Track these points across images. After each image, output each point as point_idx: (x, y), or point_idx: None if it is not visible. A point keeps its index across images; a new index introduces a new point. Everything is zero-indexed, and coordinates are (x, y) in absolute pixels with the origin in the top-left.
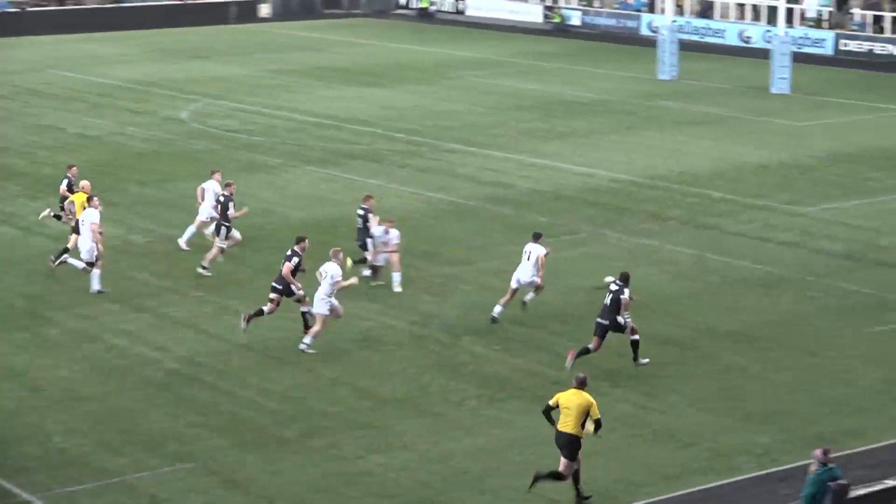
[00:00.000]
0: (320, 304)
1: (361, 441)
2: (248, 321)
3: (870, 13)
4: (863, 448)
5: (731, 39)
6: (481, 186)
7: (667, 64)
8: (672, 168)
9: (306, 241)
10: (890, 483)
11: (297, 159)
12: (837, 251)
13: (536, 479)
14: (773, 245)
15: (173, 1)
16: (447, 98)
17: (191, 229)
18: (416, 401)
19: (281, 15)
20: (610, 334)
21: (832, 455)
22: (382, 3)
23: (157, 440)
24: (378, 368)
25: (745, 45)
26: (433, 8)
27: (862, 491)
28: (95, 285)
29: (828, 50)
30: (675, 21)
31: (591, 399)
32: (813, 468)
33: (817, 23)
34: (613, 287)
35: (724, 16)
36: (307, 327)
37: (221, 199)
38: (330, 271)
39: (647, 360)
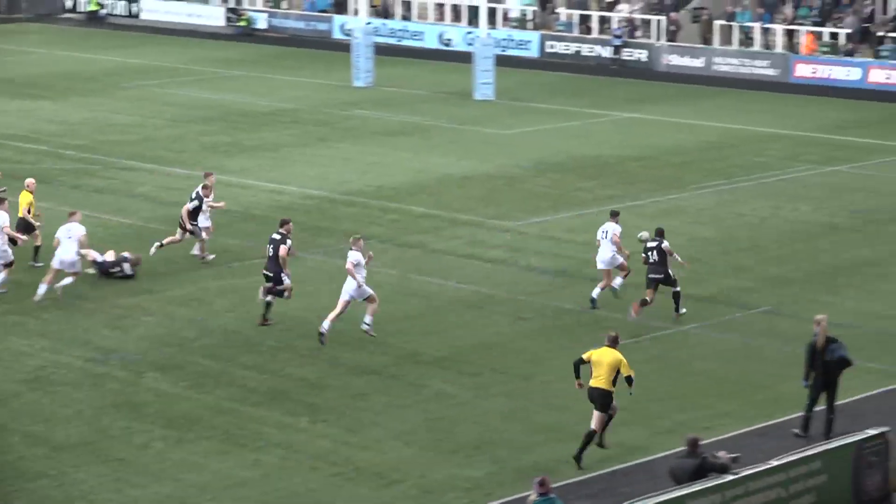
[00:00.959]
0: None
1: (35, 494)
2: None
3: (576, 13)
4: (581, 477)
5: (431, 42)
6: (163, 207)
7: (362, 70)
8: (370, 182)
9: (290, 223)
10: None
11: None
12: (549, 267)
13: (579, 456)
14: (480, 263)
15: None
16: (121, 110)
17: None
18: (96, 445)
19: None
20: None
21: (551, 485)
22: (47, 6)
23: None
24: (51, 411)
25: (445, 48)
26: (104, 11)
27: None
28: None
29: (533, 52)
30: (369, 23)
31: (622, 357)
32: (532, 499)
33: (521, 23)
34: (652, 243)
35: (423, 17)
36: (265, 319)
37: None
38: (352, 259)
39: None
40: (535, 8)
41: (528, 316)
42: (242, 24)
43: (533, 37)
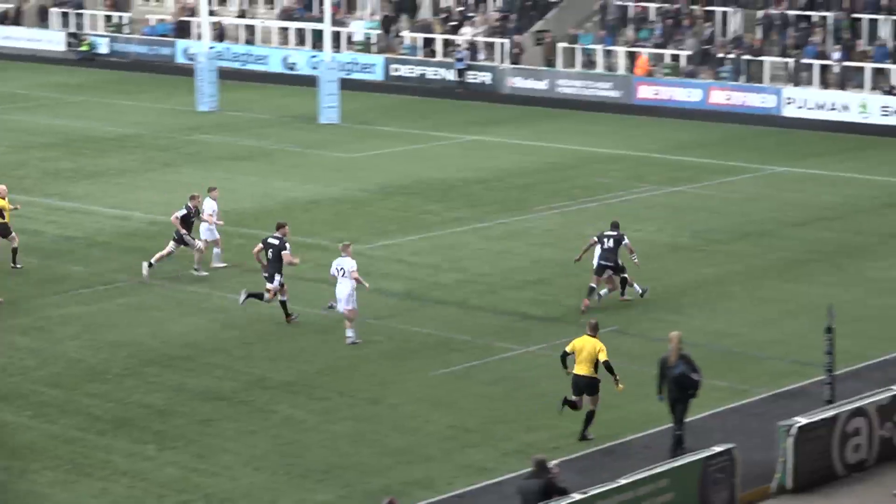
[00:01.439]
0: (351, 300)
1: None
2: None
3: (420, 36)
4: (431, 499)
5: (275, 66)
6: None
7: (206, 94)
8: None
9: (287, 226)
10: None
11: None
12: (397, 290)
13: (585, 433)
14: (327, 287)
15: None
16: None
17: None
18: None
19: None
20: None
21: None
22: None
23: None
24: None
25: (290, 72)
26: None
27: None
28: None
29: (378, 75)
30: (212, 47)
31: (600, 344)
32: None
33: (366, 47)
34: (611, 232)
35: (267, 41)
36: (287, 315)
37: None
38: (346, 266)
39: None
40: (379, 31)
41: (377, 339)
42: (84, 48)
43: (377, 60)
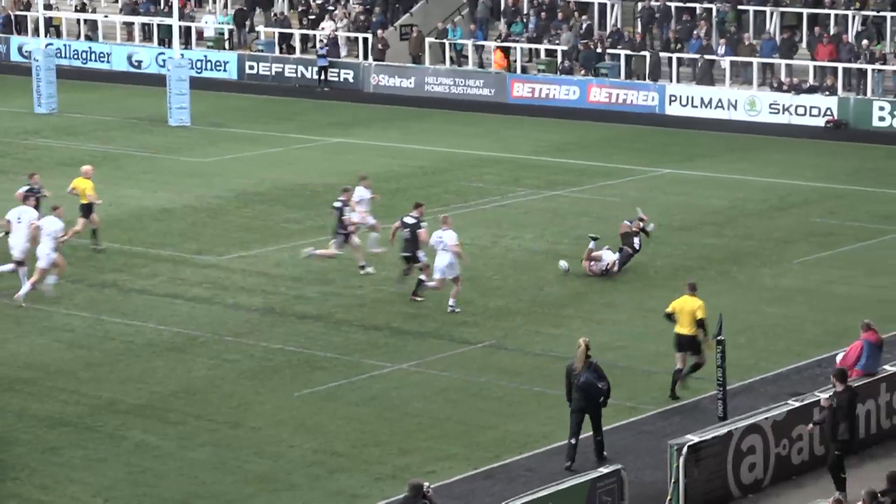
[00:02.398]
0: (451, 270)
1: None
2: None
3: (276, 31)
4: None
5: (120, 64)
6: None
7: (44, 95)
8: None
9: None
10: None
11: None
12: (256, 305)
13: (675, 382)
14: (182, 302)
15: None
16: None
17: None
18: None
19: None
20: None
21: None
22: None
23: None
24: None
25: (136, 70)
26: None
27: None
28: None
29: (232, 74)
30: (50, 44)
31: (699, 302)
32: None
33: (218, 43)
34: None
35: (110, 37)
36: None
37: (337, 205)
38: (446, 239)
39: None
40: (232, 26)
41: (235, 357)
42: None
43: (231, 57)
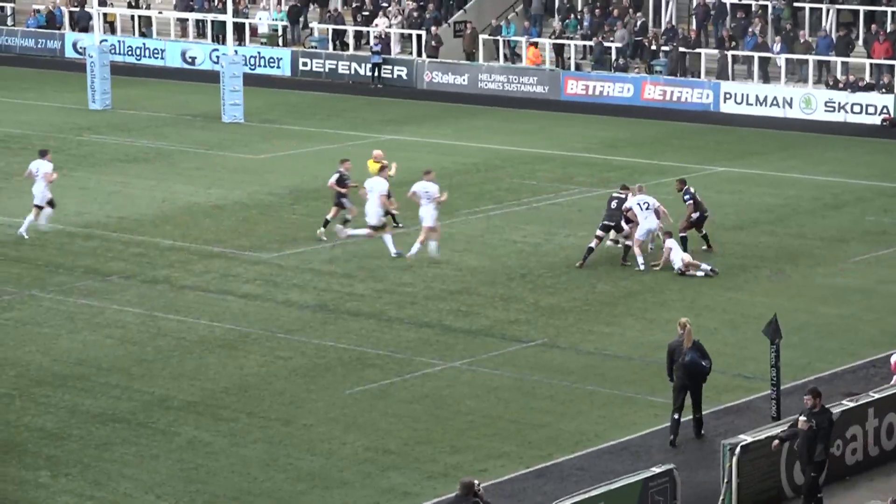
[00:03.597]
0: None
1: None
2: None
3: (330, 27)
4: None
5: (174, 61)
6: None
7: (98, 91)
8: (111, 213)
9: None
10: None
11: None
12: (308, 302)
13: None
14: (234, 298)
15: None
16: None
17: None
18: None
19: None
20: None
21: None
22: None
23: None
24: None
25: (189, 66)
26: None
27: None
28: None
29: (285, 70)
30: (104, 41)
31: None
32: None
33: (272, 40)
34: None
35: (164, 33)
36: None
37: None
38: (651, 202)
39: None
40: (286, 23)
41: (287, 355)
42: None
43: (284, 54)
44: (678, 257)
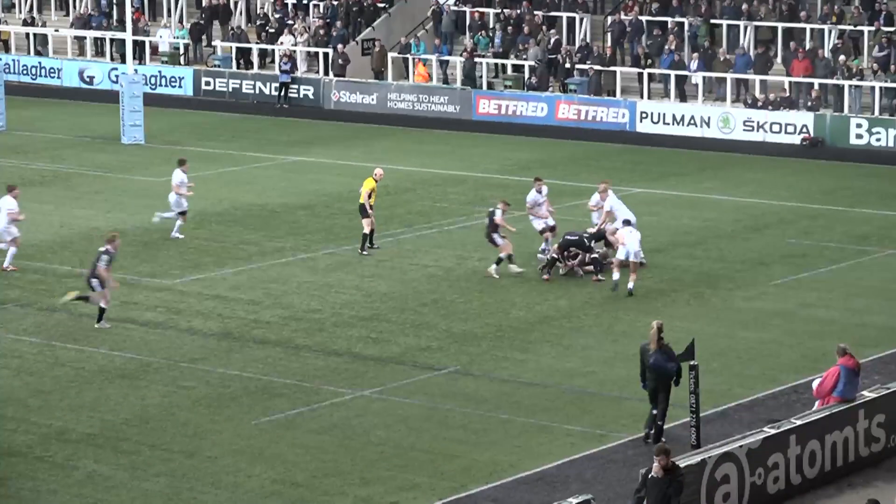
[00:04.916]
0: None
1: None
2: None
3: (234, 45)
4: None
5: (71, 80)
6: None
7: None
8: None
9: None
10: None
11: None
12: (212, 330)
13: None
14: (135, 327)
15: None
16: None
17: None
18: None
19: None
20: None
21: None
22: None
23: None
24: None
25: (88, 86)
26: None
27: None
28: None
29: (187, 90)
30: None
31: None
32: None
33: (173, 58)
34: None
35: (60, 52)
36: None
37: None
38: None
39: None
40: (188, 41)
41: (190, 384)
42: None
43: (186, 73)
44: (624, 251)
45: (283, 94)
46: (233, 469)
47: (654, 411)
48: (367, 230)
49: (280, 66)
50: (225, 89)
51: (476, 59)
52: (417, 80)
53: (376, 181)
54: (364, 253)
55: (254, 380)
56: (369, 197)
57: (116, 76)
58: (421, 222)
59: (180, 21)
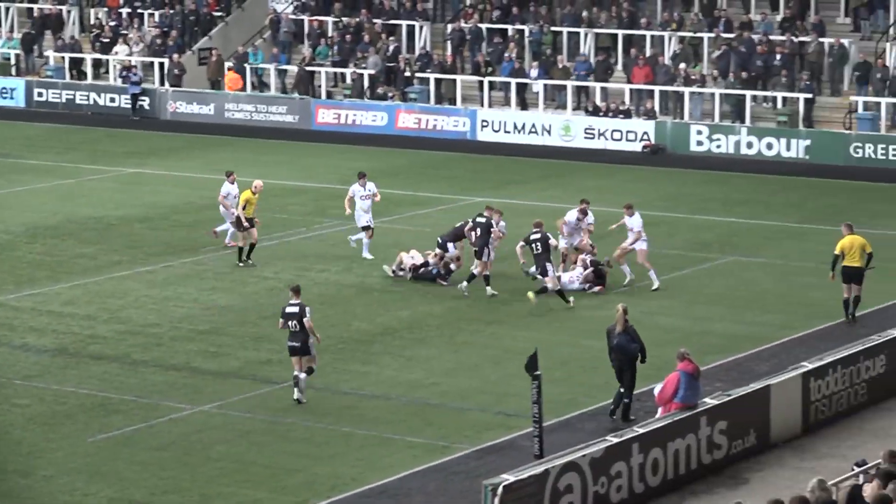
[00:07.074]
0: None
1: None
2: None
3: (67, 55)
4: None
5: None
6: None
7: None
8: None
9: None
10: None
11: None
12: (47, 346)
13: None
14: None
15: None
16: None
17: None
18: None
19: None
20: None
21: None
22: None
23: None
24: None
25: None
26: None
27: None
28: None
29: (19, 101)
30: None
31: (863, 239)
32: None
33: (4, 69)
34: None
35: None
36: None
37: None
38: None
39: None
40: (19, 51)
41: (24, 402)
42: None
43: (18, 84)
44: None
45: (135, 105)
46: (69, 488)
47: (622, 389)
48: (240, 243)
49: (130, 78)
50: (58, 100)
51: (314, 68)
52: (228, 87)
53: (254, 193)
54: (240, 265)
55: (90, 396)
56: (244, 209)
57: None
58: (260, 234)
59: (10, 30)
